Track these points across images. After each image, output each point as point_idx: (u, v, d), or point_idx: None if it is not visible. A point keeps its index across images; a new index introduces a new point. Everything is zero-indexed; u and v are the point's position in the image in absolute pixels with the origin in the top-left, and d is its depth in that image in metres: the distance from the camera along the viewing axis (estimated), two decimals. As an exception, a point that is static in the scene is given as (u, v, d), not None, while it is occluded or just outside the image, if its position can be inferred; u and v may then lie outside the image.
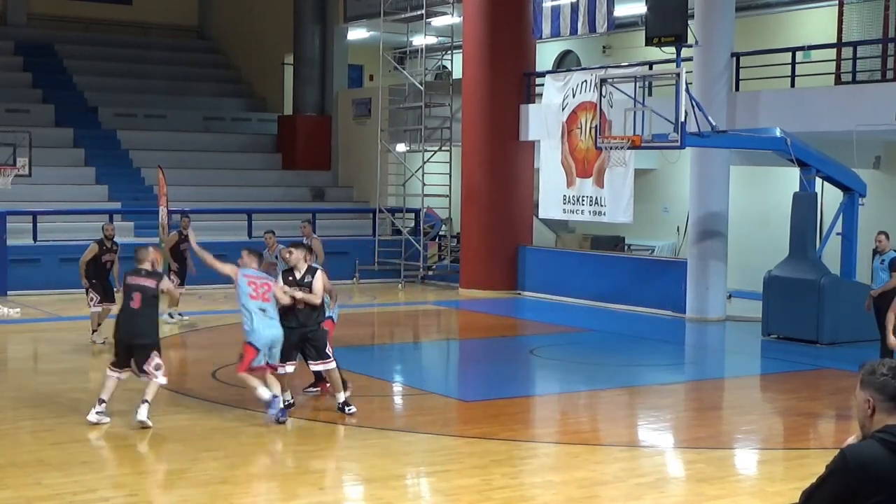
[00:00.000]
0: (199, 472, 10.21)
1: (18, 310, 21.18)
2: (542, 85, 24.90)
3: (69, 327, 19.82)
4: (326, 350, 12.26)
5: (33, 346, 18.22)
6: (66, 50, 33.85)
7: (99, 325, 17.30)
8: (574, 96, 23.28)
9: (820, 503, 4.07)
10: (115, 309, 15.32)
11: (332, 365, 12.33)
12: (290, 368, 12.17)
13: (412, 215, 28.95)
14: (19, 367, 16.42)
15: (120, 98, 32.58)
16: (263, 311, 11.86)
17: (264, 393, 11.72)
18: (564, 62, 31.09)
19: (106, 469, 10.26)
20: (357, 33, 32.53)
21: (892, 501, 3.96)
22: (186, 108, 32.78)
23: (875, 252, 15.97)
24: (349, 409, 12.24)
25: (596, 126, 19.66)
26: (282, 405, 11.85)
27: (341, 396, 12.31)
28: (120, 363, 12.03)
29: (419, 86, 27.96)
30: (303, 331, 12.13)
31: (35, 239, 24.73)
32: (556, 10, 23.34)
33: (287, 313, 12.03)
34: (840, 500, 4.01)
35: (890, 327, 11.99)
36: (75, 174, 28.42)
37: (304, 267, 12.21)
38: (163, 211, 24.42)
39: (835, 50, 21.28)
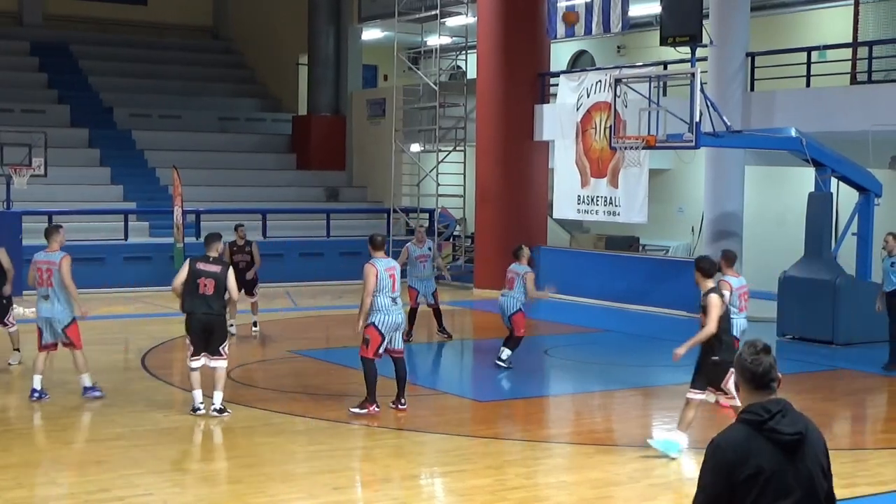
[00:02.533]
0: (214, 472, 10.22)
1: (33, 310, 21.20)
2: (557, 85, 24.87)
3: (85, 326, 19.82)
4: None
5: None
6: (81, 50, 33.94)
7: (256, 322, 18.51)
8: (588, 96, 23.24)
9: (706, 485, 4.59)
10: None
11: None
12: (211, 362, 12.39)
13: (426, 215, 28.94)
14: (32, 367, 16.42)
15: (135, 98, 32.67)
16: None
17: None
18: (579, 62, 31.06)
19: (120, 468, 10.27)
20: (371, 33, 32.55)
21: (760, 469, 4.49)
22: (201, 109, 32.84)
23: (884, 251, 15.91)
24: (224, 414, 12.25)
25: (610, 126, 19.61)
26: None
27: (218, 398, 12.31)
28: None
29: (433, 86, 27.97)
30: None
31: (51, 239, 24.76)
32: (570, 10, 23.31)
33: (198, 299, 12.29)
34: (718, 478, 4.54)
35: None
36: (90, 174, 28.49)
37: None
38: (178, 211, 24.50)
39: (850, 49, 21.21)
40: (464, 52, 28.93)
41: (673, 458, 10.72)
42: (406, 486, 9.89)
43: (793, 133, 18.84)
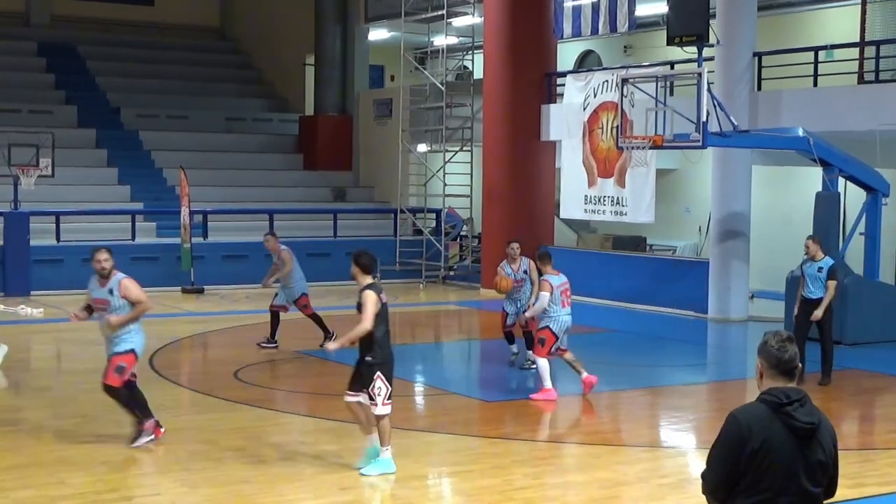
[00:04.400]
0: (222, 472, 10.23)
1: (41, 310, 21.21)
2: (564, 85, 24.85)
3: (91, 327, 19.87)
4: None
5: (56, 346, 18.28)
6: (88, 51, 33.97)
7: None
8: (595, 96, 23.24)
9: (717, 453, 4.86)
10: None
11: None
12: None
13: (433, 215, 28.95)
14: (42, 366, 16.48)
15: (142, 99, 32.70)
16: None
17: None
18: (586, 62, 31.05)
19: (128, 469, 10.29)
20: (378, 33, 32.55)
21: (770, 447, 4.73)
22: (208, 109, 32.86)
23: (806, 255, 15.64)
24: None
25: (617, 126, 19.62)
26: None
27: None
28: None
29: (440, 86, 27.96)
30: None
31: (58, 239, 24.84)
32: (577, 10, 23.32)
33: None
34: (731, 447, 4.78)
35: None
36: (98, 175, 28.52)
37: None
38: (184, 211, 24.52)
39: (857, 49, 21.16)
40: (470, 52, 28.92)
41: (392, 473, 10.11)
42: (413, 486, 9.88)
43: (800, 133, 18.81)
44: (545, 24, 24.59)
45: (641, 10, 23.20)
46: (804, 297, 14.84)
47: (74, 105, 31.24)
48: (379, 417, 10.02)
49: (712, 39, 17.86)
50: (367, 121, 31.83)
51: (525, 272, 15.59)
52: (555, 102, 25.16)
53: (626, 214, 22.68)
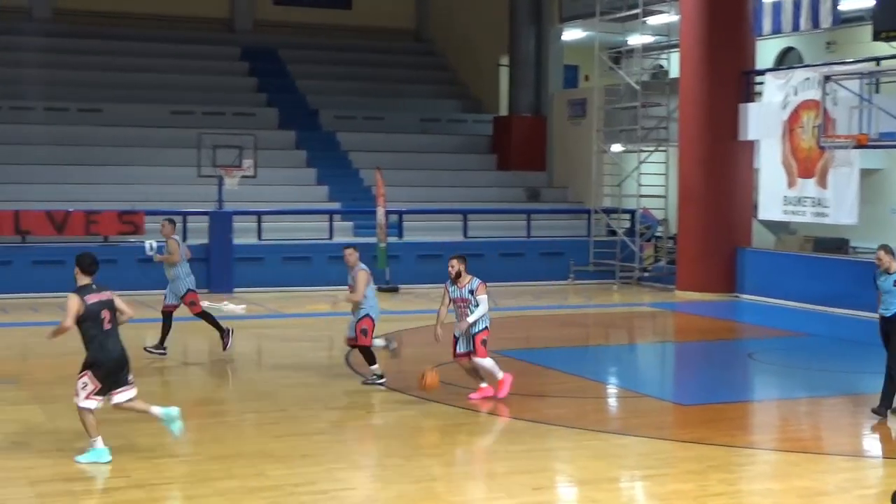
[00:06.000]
0: (414, 469, 10.36)
1: (244, 306, 21.97)
2: (762, 83, 24.31)
3: (292, 324, 20.44)
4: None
5: (257, 342, 18.82)
6: (289, 55, 34.87)
7: None
8: (796, 94, 22.68)
9: None
10: None
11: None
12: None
13: (627, 216, 28.70)
14: (244, 361, 17.01)
15: (340, 101, 33.38)
16: None
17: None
18: (786, 59, 30.27)
19: (325, 462, 10.51)
20: (572, 33, 32.44)
21: None
22: (403, 110, 33.33)
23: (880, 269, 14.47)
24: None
25: (819, 125, 19.10)
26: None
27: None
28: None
29: (635, 85, 27.70)
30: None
31: (260, 238, 25.59)
32: (777, 6, 22.79)
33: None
34: None
35: None
36: (297, 175, 29.25)
37: None
38: (380, 211, 24.93)
39: None
40: (666, 50, 28.54)
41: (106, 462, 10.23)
42: (605, 489, 9.81)
43: None
44: (743, 21, 24.10)
45: (845, 5, 22.53)
46: (881, 316, 13.07)
47: (276, 108, 32.11)
48: (78, 409, 10.34)
49: (921, 34, 17.22)
50: (561, 121, 31.76)
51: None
52: (753, 101, 24.62)
53: (827, 216, 22.07)
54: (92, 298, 10.31)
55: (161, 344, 16.12)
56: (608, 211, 28.78)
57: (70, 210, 23.69)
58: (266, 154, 26.76)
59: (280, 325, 20.39)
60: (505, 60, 33.55)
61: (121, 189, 26.14)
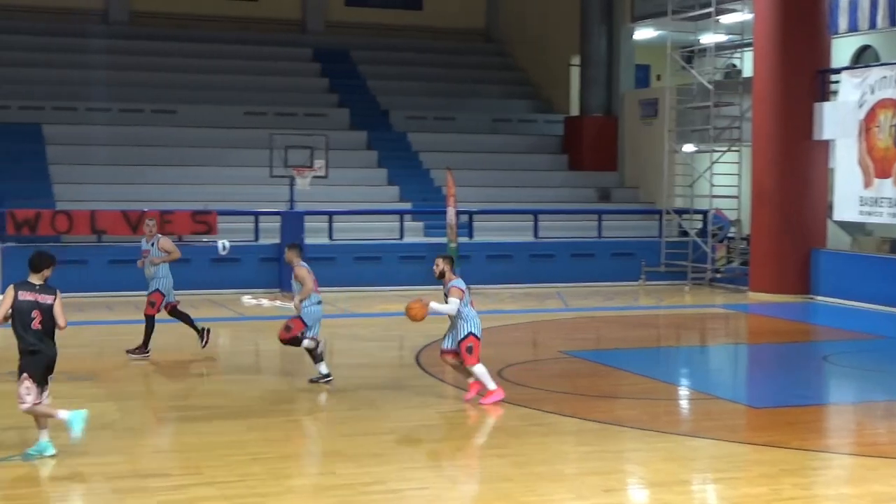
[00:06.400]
0: (484, 469, 10.34)
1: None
2: (838, 82, 23.97)
3: (363, 323, 20.52)
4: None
5: (328, 342, 18.91)
6: (360, 55, 35.03)
7: None
8: (873, 93, 22.35)
9: None
10: None
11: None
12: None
13: (700, 216, 28.47)
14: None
15: (410, 101, 33.47)
16: None
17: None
18: (862, 58, 29.84)
19: (396, 461, 10.53)
20: (644, 33, 32.23)
21: None
22: (474, 111, 33.33)
23: None
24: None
25: (896, 124, 18.80)
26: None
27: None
28: None
29: (707, 85, 27.46)
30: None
31: (331, 238, 25.73)
32: (853, 3, 22.47)
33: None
34: None
35: None
36: (368, 175, 29.37)
37: None
38: (451, 211, 24.96)
39: None
40: (739, 49, 28.27)
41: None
42: (677, 492, 9.73)
43: None
44: (819, 19, 23.80)
45: (924, 2, 22.14)
46: None
47: (347, 108, 32.26)
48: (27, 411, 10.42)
49: None
50: (632, 121, 31.58)
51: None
52: (828, 100, 24.30)
53: (905, 217, 21.72)
54: (26, 296, 10.32)
55: (201, 333, 16.22)
56: (680, 211, 28.57)
57: (145, 210, 23.99)
58: (337, 154, 26.91)
59: (351, 325, 20.48)
60: (576, 60, 33.43)
61: (194, 189, 26.44)
